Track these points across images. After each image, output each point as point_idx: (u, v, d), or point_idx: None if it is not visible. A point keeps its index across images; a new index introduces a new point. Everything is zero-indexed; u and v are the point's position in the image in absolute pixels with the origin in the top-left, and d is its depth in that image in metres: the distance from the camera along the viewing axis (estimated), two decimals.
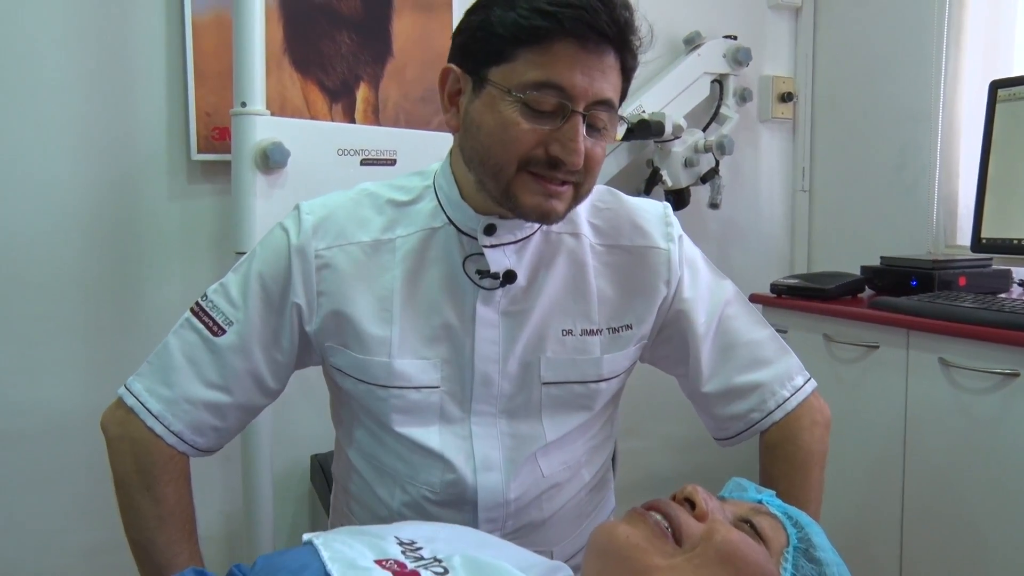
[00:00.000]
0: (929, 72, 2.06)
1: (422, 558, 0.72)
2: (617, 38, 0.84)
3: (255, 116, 1.46)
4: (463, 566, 0.69)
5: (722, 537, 0.69)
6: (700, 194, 2.15)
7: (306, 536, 0.75)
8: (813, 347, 1.78)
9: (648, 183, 2.11)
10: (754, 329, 1.05)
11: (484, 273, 0.94)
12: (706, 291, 1.04)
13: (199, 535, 1.00)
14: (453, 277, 0.96)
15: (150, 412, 0.95)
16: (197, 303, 0.99)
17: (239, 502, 1.66)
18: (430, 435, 0.97)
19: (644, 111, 1.96)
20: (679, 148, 2.05)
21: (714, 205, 2.14)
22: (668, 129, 1.96)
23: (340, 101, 1.77)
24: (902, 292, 1.72)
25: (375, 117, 1.81)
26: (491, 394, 0.97)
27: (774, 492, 0.81)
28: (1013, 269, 1.79)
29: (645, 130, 1.93)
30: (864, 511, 1.70)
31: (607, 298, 1.00)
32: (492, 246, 0.94)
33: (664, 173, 2.06)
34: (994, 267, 1.79)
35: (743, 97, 2.21)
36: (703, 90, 2.12)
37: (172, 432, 0.95)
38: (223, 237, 1.69)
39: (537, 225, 0.95)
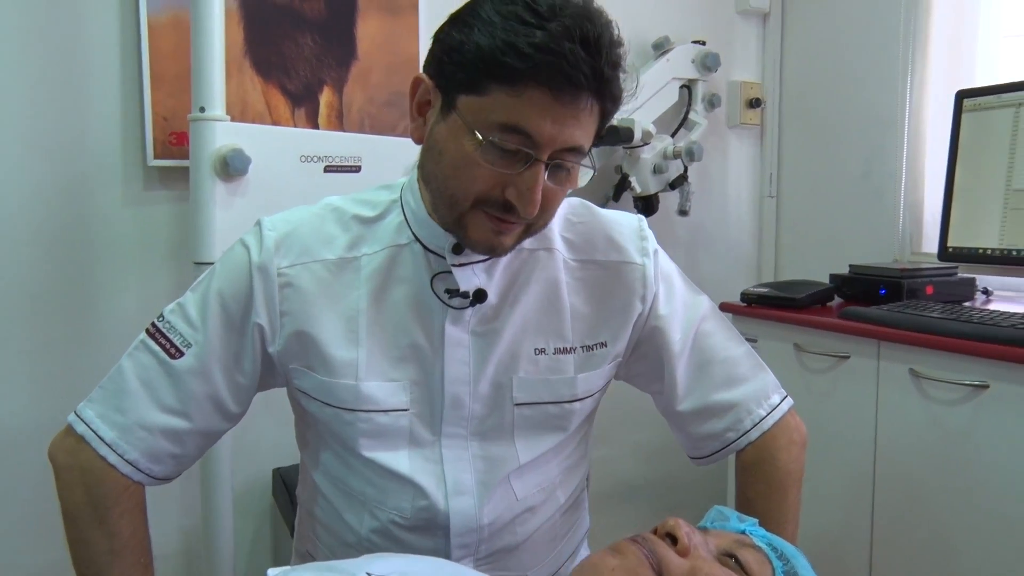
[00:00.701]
0: (895, 79, 2.08)
1: None
2: (596, 90, 0.79)
3: (214, 122, 1.41)
4: None
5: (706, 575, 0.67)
6: (669, 200, 2.14)
7: (270, 572, 0.71)
8: (784, 357, 1.77)
9: (617, 189, 2.09)
10: (730, 346, 1.03)
11: (453, 292, 0.91)
12: (681, 307, 1.01)
13: (154, 553, 0.95)
14: (421, 296, 0.92)
15: (102, 440, 0.89)
16: (153, 324, 0.94)
17: (197, 518, 1.60)
18: (399, 459, 0.94)
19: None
20: (648, 154, 2.03)
21: (683, 212, 2.13)
22: (637, 135, 1.94)
23: (303, 106, 1.72)
24: (871, 301, 1.73)
25: (339, 122, 1.76)
26: (462, 416, 0.94)
27: (756, 521, 0.79)
28: (977, 277, 1.81)
29: (614, 136, 1.92)
30: (834, 521, 1.70)
31: (581, 315, 0.97)
32: (460, 264, 0.91)
33: (633, 179, 2.04)
34: (960, 275, 1.80)
35: (712, 103, 2.20)
36: (672, 95, 2.11)
37: (127, 461, 0.90)
38: (181, 246, 1.63)
39: None
